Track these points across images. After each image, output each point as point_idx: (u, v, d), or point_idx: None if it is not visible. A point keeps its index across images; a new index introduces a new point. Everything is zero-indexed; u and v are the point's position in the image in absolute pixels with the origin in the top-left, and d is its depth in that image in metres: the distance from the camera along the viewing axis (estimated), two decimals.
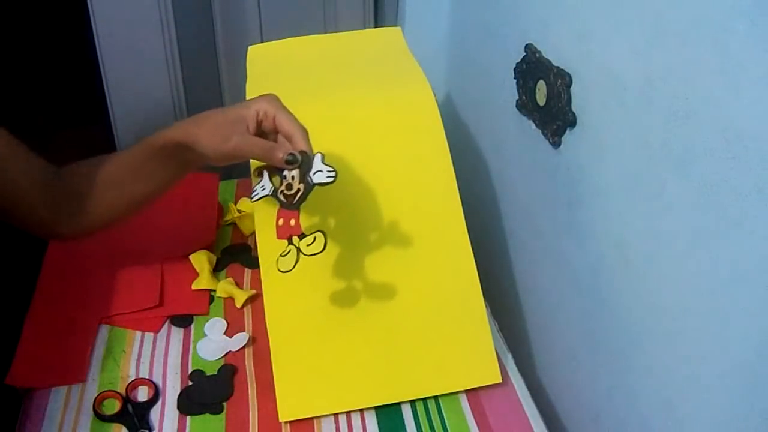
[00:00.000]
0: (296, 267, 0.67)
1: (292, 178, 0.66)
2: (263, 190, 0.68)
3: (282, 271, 0.68)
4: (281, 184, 0.67)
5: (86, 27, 1.17)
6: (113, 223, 0.78)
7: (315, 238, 0.68)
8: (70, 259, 0.93)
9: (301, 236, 0.67)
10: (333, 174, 0.66)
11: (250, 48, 0.93)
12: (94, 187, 0.75)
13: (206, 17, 1.27)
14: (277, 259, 0.68)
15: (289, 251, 0.67)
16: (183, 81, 1.28)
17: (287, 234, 0.67)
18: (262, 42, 1.06)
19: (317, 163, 0.66)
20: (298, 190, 0.66)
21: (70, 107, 2.13)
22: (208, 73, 1.34)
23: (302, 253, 0.67)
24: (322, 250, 0.68)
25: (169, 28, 1.20)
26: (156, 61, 1.23)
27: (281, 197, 0.66)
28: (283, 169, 0.67)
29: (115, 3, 1.15)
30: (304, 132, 0.67)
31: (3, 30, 2.18)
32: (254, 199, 0.69)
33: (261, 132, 0.69)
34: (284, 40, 0.94)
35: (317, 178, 0.66)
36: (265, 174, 0.69)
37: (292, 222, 0.67)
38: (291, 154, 0.65)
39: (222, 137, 0.67)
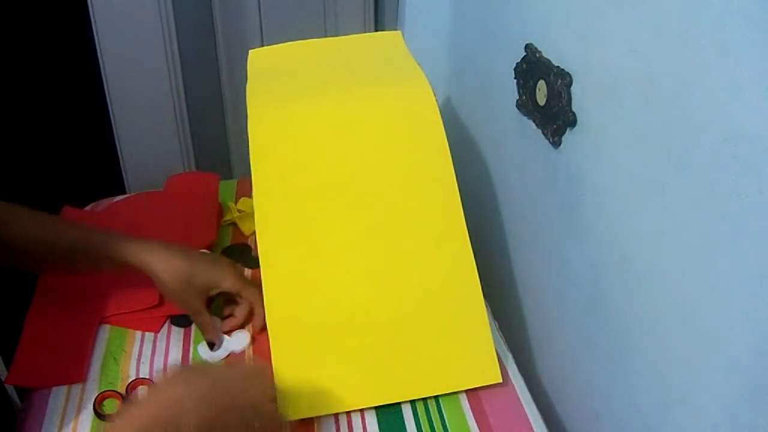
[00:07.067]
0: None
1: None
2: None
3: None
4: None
5: (86, 27, 1.18)
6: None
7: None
8: None
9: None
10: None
11: (250, 51, 0.93)
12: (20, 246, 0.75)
13: (206, 20, 1.27)
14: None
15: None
16: (183, 82, 1.28)
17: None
18: (262, 45, 1.06)
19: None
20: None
21: (70, 107, 2.13)
22: (208, 75, 1.35)
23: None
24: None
25: (170, 30, 1.21)
26: (156, 62, 1.23)
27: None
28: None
29: (115, 3, 1.16)
30: (261, 298, 0.77)
31: (3, 30, 2.19)
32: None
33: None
34: (285, 43, 0.94)
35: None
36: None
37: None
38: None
39: (184, 302, 0.79)
